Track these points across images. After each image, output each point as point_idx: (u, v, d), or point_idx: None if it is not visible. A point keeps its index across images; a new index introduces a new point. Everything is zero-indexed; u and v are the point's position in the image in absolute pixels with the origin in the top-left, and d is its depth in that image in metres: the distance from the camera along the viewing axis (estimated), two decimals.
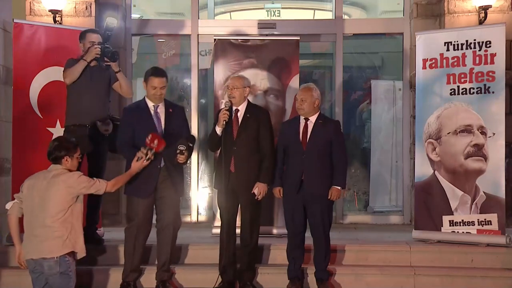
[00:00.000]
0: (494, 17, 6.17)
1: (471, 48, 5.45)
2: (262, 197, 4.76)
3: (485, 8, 6.14)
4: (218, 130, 4.76)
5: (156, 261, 4.87)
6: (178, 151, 4.47)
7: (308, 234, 4.84)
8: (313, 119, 4.79)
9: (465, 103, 5.44)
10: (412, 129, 6.61)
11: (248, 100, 4.92)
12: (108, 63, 5.03)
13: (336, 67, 7.01)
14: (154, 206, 4.74)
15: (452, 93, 5.50)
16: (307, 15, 8.22)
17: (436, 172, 5.53)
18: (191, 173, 7.03)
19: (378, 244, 5.47)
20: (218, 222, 4.96)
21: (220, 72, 5.85)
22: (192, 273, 5.05)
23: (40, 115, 5.47)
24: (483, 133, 5.34)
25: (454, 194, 5.45)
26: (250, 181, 4.74)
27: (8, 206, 4.08)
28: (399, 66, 7.06)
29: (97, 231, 5.35)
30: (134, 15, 7.20)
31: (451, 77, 5.52)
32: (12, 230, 4.06)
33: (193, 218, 6.99)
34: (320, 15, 7.99)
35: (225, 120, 4.70)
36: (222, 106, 4.89)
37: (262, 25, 7.00)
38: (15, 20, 5.49)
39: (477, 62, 5.42)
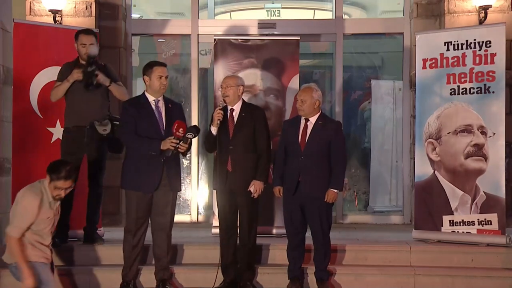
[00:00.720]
0: (494, 17, 6.18)
1: (471, 48, 5.45)
2: (259, 195, 4.76)
3: (485, 8, 6.14)
4: (213, 129, 4.76)
5: (153, 260, 4.86)
6: (183, 139, 4.48)
7: (308, 234, 4.84)
8: (313, 120, 4.78)
9: (465, 103, 5.44)
10: (412, 129, 6.62)
11: (243, 100, 4.92)
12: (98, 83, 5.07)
13: (336, 67, 7.02)
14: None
15: (452, 93, 5.50)
16: (307, 15, 8.22)
17: (436, 172, 5.53)
18: (191, 173, 7.04)
19: (378, 244, 5.47)
20: (217, 222, 4.96)
21: (220, 72, 5.85)
22: (192, 273, 5.05)
23: (40, 115, 5.47)
24: (483, 133, 5.34)
25: (454, 194, 5.44)
26: (247, 180, 4.74)
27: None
28: (399, 66, 7.06)
29: (97, 231, 5.35)
30: (134, 15, 7.21)
31: (451, 77, 5.52)
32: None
33: (193, 218, 6.99)
34: (320, 15, 8.00)
35: (219, 120, 4.70)
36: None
37: (262, 25, 7.01)
38: (15, 20, 5.49)
39: (477, 62, 5.42)
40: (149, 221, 4.76)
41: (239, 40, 6.05)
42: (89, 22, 6.44)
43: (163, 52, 7.36)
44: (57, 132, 5.49)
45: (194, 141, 6.79)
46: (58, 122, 5.51)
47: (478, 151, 5.35)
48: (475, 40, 5.43)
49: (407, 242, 5.42)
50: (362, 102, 7.74)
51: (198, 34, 7.04)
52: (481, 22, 6.18)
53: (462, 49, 5.48)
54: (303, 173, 4.69)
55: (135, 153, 4.62)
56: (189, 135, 4.50)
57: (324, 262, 4.82)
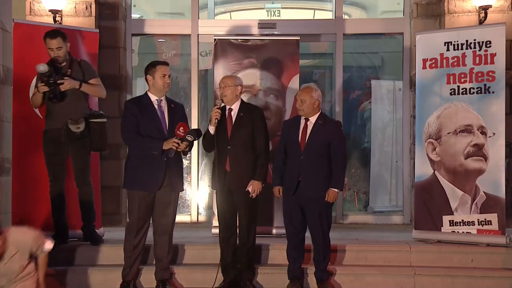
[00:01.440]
0: (494, 17, 6.18)
1: (471, 48, 5.45)
2: (257, 195, 4.76)
3: (485, 8, 6.14)
4: (211, 129, 4.77)
5: (154, 260, 4.86)
6: (183, 140, 4.51)
7: (308, 234, 4.83)
8: (313, 119, 4.79)
9: (465, 103, 5.44)
10: (412, 129, 6.62)
11: (242, 99, 4.92)
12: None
13: (336, 67, 7.01)
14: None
15: (452, 93, 5.50)
16: (307, 15, 8.22)
17: (436, 172, 5.52)
18: (191, 173, 7.04)
19: (378, 244, 5.47)
20: (217, 222, 4.96)
21: (220, 72, 5.85)
22: (192, 273, 5.05)
23: (40, 115, 5.45)
24: (483, 133, 5.34)
25: (454, 194, 5.44)
26: (245, 180, 4.74)
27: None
28: (399, 66, 7.06)
29: (96, 230, 5.35)
30: (134, 15, 7.21)
31: (451, 77, 5.52)
32: None
33: (193, 218, 6.99)
34: (320, 15, 7.99)
35: (217, 119, 4.71)
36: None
37: (262, 25, 7.00)
38: (15, 20, 5.49)
39: (477, 62, 5.42)
40: (150, 222, 4.76)
41: (239, 40, 6.05)
42: (89, 22, 6.44)
43: (163, 52, 7.37)
44: None
45: (195, 142, 6.82)
46: None
47: (478, 151, 5.35)
48: (475, 40, 5.43)
49: (407, 242, 5.42)
50: (362, 102, 7.74)
51: (198, 34, 7.04)
52: (481, 22, 6.18)
53: (462, 49, 5.48)
54: (303, 172, 4.69)
55: (137, 152, 4.62)
56: (189, 137, 4.52)
57: (324, 262, 4.82)
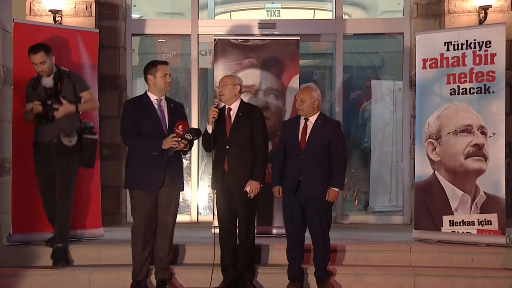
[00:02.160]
0: (494, 17, 6.17)
1: (471, 48, 5.45)
2: (255, 195, 4.75)
3: (485, 8, 6.14)
4: (209, 128, 4.77)
5: (154, 260, 4.83)
6: (182, 138, 4.51)
7: (307, 234, 4.83)
8: (312, 119, 4.79)
9: (465, 103, 5.44)
10: (412, 129, 6.62)
11: (241, 99, 4.92)
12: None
13: (336, 67, 7.01)
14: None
15: (452, 93, 5.50)
16: (307, 15, 8.22)
17: (436, 172, 5.52)
18: (191, 173, 7.04)
19: (378, 244, 5.47)
20: (217, 222, 4.96)
21: (220, 72, 5.84)
22: (192, 273, 5.05)
23: None
24: (483, 133, 5.34)
25: (454, 194, 5.44)
26: (243, 180, 4.73)
27: None
28: (399, 66, 7.06)
29: (67, 251, 5.15)
30: (134, 15, 7.20)
31: (451, 77, 5.52)
32: None
33: (193, 218, 6.99)
34: (320, 15, 7.99)
35: (214, 118, 4.71)
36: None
37: (262, 25, 7.00)
38: (15, 20, 5.49)
39: (477, 62, 5.42)
40: None
41: (239, 40, 6.05)
42: (89, 22, 6.44)
43: (163, 52, 7.37)
44: None
45: (195, 142, 6.82)
46: None
47: (478, 151, 5.35)
48: (475, 40, 5.43)
49: (407, 242, 5.42)
50: (362, 102, 7.74)
51: (198, 34, 7.04)
52: (481, 22, 6.18)
53: (462, 49, 5.48)
54: (304, 172, 4.69)
55: (137, 152, 4.62)
56: (187, 136, 4.53)
57: (324, 262, 4.82)
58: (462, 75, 5.47)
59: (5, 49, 5.55)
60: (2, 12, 5.62)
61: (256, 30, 6.94)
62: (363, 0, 8.03)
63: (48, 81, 4.90)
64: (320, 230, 4.73)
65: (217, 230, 4.96)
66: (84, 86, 5.18)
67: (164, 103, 4.71)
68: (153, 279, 4.86)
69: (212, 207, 6.04)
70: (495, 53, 5.34)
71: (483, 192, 5.33)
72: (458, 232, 5.41)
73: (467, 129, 5.40)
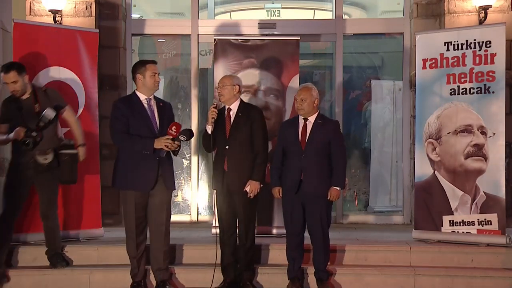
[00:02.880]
0: (494, 17, 6.17)
1: (471, 48, 5.45)
2: (255, 195, 4.75)
3: (485, 8, 6.14)
4: (208, 128, 4.77)
5: (151, 261, 4.83)
6: (175, 139, 4.51)
7: (307, 233, 4.83)
8: (312, 119, 4.80)
9: (465, 103, 5.44)
10: (412, 129, 6.62)
11: (241, 99, 4.92)
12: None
13: (336, 67, 7.01)
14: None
15: (452, 93, 5.50)
16: (307, 15, 8.22)
17: (436, 172, 5.53)
18: (191, 173, 7.04)
19: (378, 244, 5.47)
20: (217, 222, 4.96)
21: (220, 72, 5.85)
22: (192, 273, 5.05)
23: None
24: (483, 133, 5.34)
25: (454, 194, 5.45)
26: (243, 180, 4.74)
27: None
28: (399, 66, 7.06)
29: (65, 253, 5.16)
30: (134, 15, 7.20)
31: (451, 77, 5.52)
32: None
33: (193, 218, 6.99)
34: (320, 15, 7.99)
35: (213, 118, 4.71)
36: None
37: (262, 25, 7.00)
38: (15, 20, 5.49)
39: (477, 62, 5.42)
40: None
41: (239, 40, 6.05)
42: (89, 22, 6.44)
43: (163, 52, 7.37)
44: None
45: (194, 142, 6.82)
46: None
47: (478, 151, 5.35)
48: (475, 40, 5.43)
49: (407, 242, 5.42)
50: (362, 102, 7.74)
51: (198, 34, 7.04)
52: (481, 22, 6.18)
53: (462, 49, 5.48)
54: (305, 171, 4.69)
55: (128, 152, 4.61)
56: (181, 137, 4.53)
57: (324, 262, 4.82)
58: (462, 75, 5.47)
59: (5, 49, 5.56)
60: (2, 12, 5.63)
61: (256, 30, 6.94)
62: (363, 0, 8.03)
63: (50, 113, 4.74)
64: (321, 229, 4.73)
65: (217, 230, 4.96)
66: (62, 103, 5.00)
67: (153, 103, 4.71)
68: (153, 279, 4.86)
69: (212, 207, 6.04)
70: (495, 53, 5.34)
71: (483, 192, 5.33)
72: (458, 232, 5.41)
73: (467, 129, 5.40)
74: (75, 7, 6.46)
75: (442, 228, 5.47)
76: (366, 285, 5.01)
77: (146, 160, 4.53)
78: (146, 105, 4.67)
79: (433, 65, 5.59)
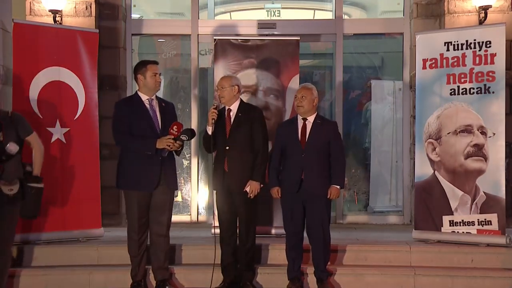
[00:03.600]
0: (494, 17, 6.17)
1: (471, 48, 5.45)
2: (255, 195, 4.76)
3: (485, 8, 6.14)
4: (208, 129, 4.77)
5: (152, 261, 4.83)
6: (177, 139, 4.52)
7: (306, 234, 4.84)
8: (311, 119, 4.80)
9: (465, 103, 5.44)
10: (412, 129, 6.62)
11: (241, 99, 4.92)
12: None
13: (336, 67, 7.01)
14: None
15: (452, 93, 5.50)
16: (307, 15, 8.21)
17: (436, 172, 5.52)
18: (191, 173, 7.04)
19: (378, 244, 5.47)
20: (217, 222, 4.96)
21: (220, 72, 5.84)
22: (192, 273, 5.06)
23: (40, 115, 5.46)
24: (483, 133, 5.34)
25: (454, 194, 5.44)
26: (243, 180, 4.74)
27: None
28: (399, 66, 7.06)
29: None
30: (134, 15, 7.20)
31: (451, 77, 5.52)
32: None
33: (193, 218, 6.99)
34: (320, 15, 7.99)
35: (213, 119, 4.71)
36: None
37: (262, 25, 7.00)
38: (15, 20, 5.49)
39: (477, 62, 5.42)
40: None
41: (239, 40, 6.05)
42: (89, 22, 6.44)
43: (163, 52, 7.37)
44: (57, 132, 5.50)
45: (194, 142, 6.82)
46: (58, 122, 5.51)
47: (478, 151, 5.35)
48: (475, 40, 5.43)
49: (407, 242, 5.42)
50: (361, 102, 7.74)
51: (198, 34, 7.04)
52: (481, 22, 6.18)
53: (462, 49, 5.48)
54: (306, 170, 4.70)
55: (131, 152, 4.61)
56: (183, 137, 4.54)
57: (323, 262, 4.82)
58: (462, 75, 5.47)
59: (5, 49, 5.56)
60: (2, 12, 5.62)
61: (256, 30, 6.94)
62: (363, 0, 8.03)
63: (13, 148, 4.31)
64: (321, 229, 4.73)
65: (217, 230, 4.97)
66: (29, 129, 4.53)
67: (155, 103, 4.72)
68: (152, 279, 4.87)
69: (212, 207, 6.04)
70: (495, 53, 5.34)
71: (483, 192, 5.33)
72: (458, 232, 5.41)
73: (467, 129, 5.40)
74: (75, 7, 6.46)
75: (442, 228, 5.47)
76: (366, 285, 5.01)
77: (148, 160, 4.54)
78: (148, 106, 4.67)
79: (433, 65, 5.59)
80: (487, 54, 5.37)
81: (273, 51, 5.97)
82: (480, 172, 5.34)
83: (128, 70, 6.93)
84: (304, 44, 6.55)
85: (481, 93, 5.39)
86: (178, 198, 7.15)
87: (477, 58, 5.41)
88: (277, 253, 5.16)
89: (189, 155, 7.06)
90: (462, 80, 5.47)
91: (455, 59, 5.50)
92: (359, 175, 7.63)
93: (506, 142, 5.33)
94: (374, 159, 7.45)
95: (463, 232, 5.39)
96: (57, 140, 5.50)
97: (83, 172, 5.59)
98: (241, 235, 4.82)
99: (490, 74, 5.36)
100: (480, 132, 5.35)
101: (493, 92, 5.34)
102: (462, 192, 5.40)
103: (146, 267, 4.81)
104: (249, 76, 5.90)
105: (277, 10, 7.76)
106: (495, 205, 5.29)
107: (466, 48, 5.46)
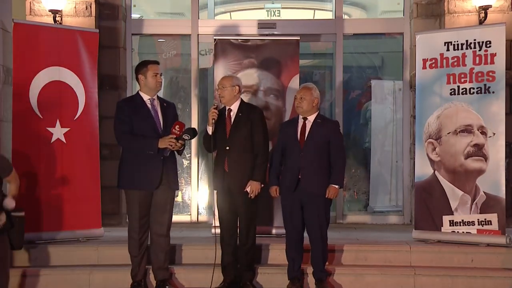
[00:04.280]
0: (494, 17, 6.17)
1: (471, 48, 5.45)
2: (255, 195, 4.75)
3: (485, 8, 6.14)
4: (209, 129, 4.77)
5: (152, 260, 4.83)
6: (179, 138, 4.52)
7: (306, 233, 4.83)
8: (311, 118, 4.80)
9: (465, 103, 5.44)
10: (412, 129, 6.62)
11: (242, 99, 4.92)
12: None
13: (336, 67, 7.01)
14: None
15: (452, 93, 5.50)
16: (307, 15, 8.22)
17: (436, 172, 5.52)
18: (191, 173, 7.04)
19: (378, 244, 5.47)
20: (218, 222, 4.97)
21: (220, 72, 5.85)
22: (192, 273, 5.06)
23: (40, 115, 5.46)
24: (483, 133, 5.34)
25: (454, 194, 5.44)
26: (243, 180, 4.74)
27: None
28: (399, 66, 7.06)
29: None
30: (134, 15, 7.20)
31: (451, 77, 5.52)
32: None
33: (193, 218, 6.99)
34: (320, 15, 7.99)
35: (214, 119, 4.71)
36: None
37: (262, 25, 7.00)
38: (15, 20, 5.49)
39: (477, 62, 5.42)
40: None
41: (239, 40, 6.05)
42: (89, 22, 6.44)
43: (163, 52, 7.37)
44: (57, 132, 5.50)
45: (194, 142, 6.82)
46: (58, 122, 5.51)
47: (478, 151, 5.35)
48: (475, 40, 5.43)
49: (407, 242, 5.42)
50: (361, 102, 7.74)
51: (198, 34, 7.04)
52: (481, 22, 6.18)
53: (462, 49, 5.48)
54: (303, 169, 4.70)
55: (133, 152, 4.61)
56: (185, 136, 4.55)
57: (322, 262, 4.82)
58: (462, 75, 5.47)
59: (5, 49, 5.56)
60: (2, 12, 5.62)
61: (256, 30, 6.94)
62: (363, 0, 8.03)
63: (10, 203, 4.22)
64: (319, 229, 4.73)
65: (217, 230, 4.97)
66: (9, 168, 4.32)
67: (157, 103, 4.72)
68: (152, 279, 4.87)
69: (212, 207, 6.04)
70: (495, 53, 5.34)
71: (483, 192, 5.33)
72: (458, 232, 5.41)
73: (467, 129, 5.40)
74: (75, 7, 6.46)
75: (442, 228, 5.47)
76: (366, 285, 5.01)
77: (150, 160, 4.55)
78: (149, 105, 4.67)
79: (433, 65, 5.59)
80: (487, 54, 5.37)
81: (273, 51, 5.97)
82: (480, 172, 5.34)
83: (128, 70, 6.93)
84: (304, 44, 6.55)
85: (481, 93, 5.39)
86: (178, 198, 7.15)
87: (477, 58, 5.41)
88: (277, 253, 5.16)
89: (189, 155, 7.06)
90: (462, 80, 5.47)
91: (455, 59, 5.50)
92: (359, 175, 7.63)
93: (506, 142, 5.33)
94: (374, 159, 7.45)
95: (463, 232, 5.39)
96: (57, 140, 5.50)
97: (83, 172, 5.58)
98: (241, 235, 4.82)
99: (490, 74, 5.35)
100: (480, 132, 5.35)
101: (493, 92, 5.34)
102: (462, 192, 5.40)
103: (146, 267, 4.81)
104: (249, 76, 5.90)
105: (277, 10, 7.76)
106: (495, 205, 5.29)
107: (466, 48, 5.46)
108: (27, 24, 5.67)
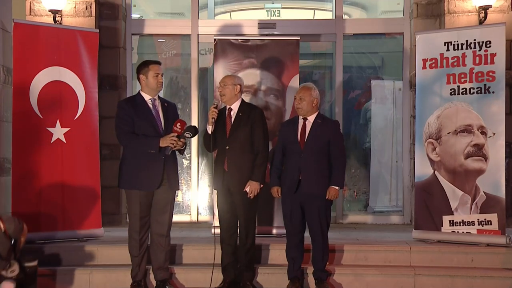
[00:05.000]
0: (494, 17, 6.18)
1: (471, 48, 5.45)
2: (255, 195, 4.75)
3: (485, 8, 6.14)
4: (208, 128, 4.77)
5: (152, 260, 4.83)
6: (181, 136, 4.52)
7: (306, 233, 4.83)
8: (311, 118, 4.79)
9: (465, 103, 5.44)
10: (412, 129, 6.62)
11: (242, 99, 4.92)
12: None
13: (336, 67, 7.01)
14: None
15: (452, 93, 5.50)
16: (307, 15, 8.22)
17: (436, 172, 5.53)
18: (191, 173, 7.04)
19: (378, 244, 5.47)
20: (217, 222, 4.97)
21: (220, 72, 5.85)
22: (192, 273, 5.05)
23: (40, 115, 5.46)
24: (483, 133, 5.34)
25: (454, 194, 5.45)
26: (243, 180, 4.73)
27: None
28: (399, 66, 7.06)
29: None
30: (134, 15, 7.21)
31: (451, 77, 5.52)
32: None
33: (193, 218, 6.99)
34: (320, 15, 7.99)
35: (213, 118, 4.71)
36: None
37: (262, 25, 7.00)
38: (15, 20, 5.49)
39: (477, 62, 5.42)
40: None
41: (239, 40, 6.05)
42: (89, 22, 6.44)
43: (163, 52, 7.37)
44: (57, 132, 5.50)
45: (194, 141, 6.83)
46: (58, 122, 5.51)
47: (478, 151, 5.35)
48: (475, 40, 5.43)
49: (407, 242, 5.42)
50: (361, 102, 7.74)
51: (198, 34, 7.04)
52: (481, 22, 6.18)
53: (462, 49, 5.49)
54: (304, 170, 4.69)
55: (134, 152, 4.62)
56: (187, 134, 4.54)
57: (322, 262, 4.82)
58: (462, 75, 5.47)
59: (5, 49, 5.56)
60: (2, 12, 5.63)
61: (256, 30, 6.94)
62: (363, 0, 8.03)
63: (12, 273, 4.21)
64: (319, 229, 4.73)
65: (217, 230, 4.96)
66: (21, 230, 4.39)
67: (158, 103, 4.72)
68: (153, 279, 4.86)
69: (212, 207, 6.04)
70: (495, 53, 5.34)
71: (483, 192, 5.33)
72: (458, 232, 5.41)
73: (467, 129, 5.40)
74: (75, 7, 6.47)
75: (442, 228, 5.48)
76: (366, 285, 5.01)
77: (151, 159, 4.55)
78: (150, 106, 4.68)
79: (433, 65, 5.59)
80: (487, 54, 5.37)
81: (273, 51, 5.97)
82: (480, 172, 5.34)
83: (128, 70, 6.94)
84: (304, 44, 6.56)
85: (481, 93, 5.39)
86: (179, 198, 7.15)
87: (477, 58, 5.41)
88: (277, 253, 5.16)
89: (189, 155, 7.06)
90: (462, 80, 5.47)
91: (455, 59, 5.50)
92: (359, 175, 7.63)
93: (506, 142, 5.33)
94: (374, 159, 7.46)
95: (463, 232, 5.39)
96: (57, 140, 5.50)
97: (83, 172, 5.58)
98: (241, 235, 4.82)
99: (490, 74, 5.36)
100: (480, 132, 5.35)
101: (493, 92, 5.34)
102: (462, 192, 5.41)
103: (146, 267, 4.81)
104: (249, 76, 5.89)
105: (277, 10, 7.76)
106: (495, 205, 5.29)
107: (466, 48, 5.46)
108: (27, 24, 5.67)
